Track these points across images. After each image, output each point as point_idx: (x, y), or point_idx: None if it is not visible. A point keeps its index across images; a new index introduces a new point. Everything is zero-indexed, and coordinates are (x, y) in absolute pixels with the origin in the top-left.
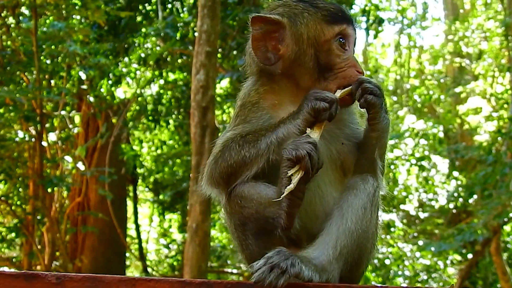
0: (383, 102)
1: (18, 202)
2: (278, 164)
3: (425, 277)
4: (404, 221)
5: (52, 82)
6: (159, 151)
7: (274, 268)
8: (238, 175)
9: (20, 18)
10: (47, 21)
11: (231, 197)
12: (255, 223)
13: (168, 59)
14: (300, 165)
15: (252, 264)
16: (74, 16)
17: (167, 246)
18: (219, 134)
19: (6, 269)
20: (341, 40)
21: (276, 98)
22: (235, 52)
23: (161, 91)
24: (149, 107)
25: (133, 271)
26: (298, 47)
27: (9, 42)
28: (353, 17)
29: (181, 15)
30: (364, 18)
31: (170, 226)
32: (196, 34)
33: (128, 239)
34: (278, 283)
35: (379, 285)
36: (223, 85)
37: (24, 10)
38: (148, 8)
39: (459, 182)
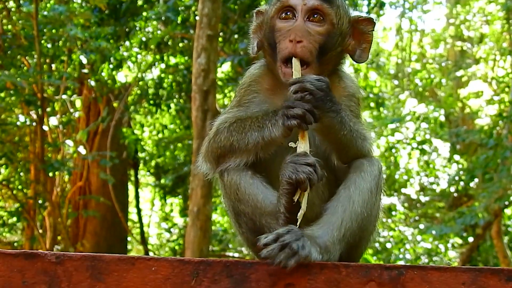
0: (322, 104)
1: (20, 187)
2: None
3: (426, 260)
4: (405, 204)
5: (53, 66)
6: (160, 135)
7: (284, 248)
8: (227, 158)
9: (21, 2)
10: (48, 5)
11: (226, 179)
12: (250, 221)
13: (169, 43)
14: (301, 187)
15: (260, 236)
16: (74, 0)
17: (168, 230)
18: None
19: None
20: (283, 14)
21: (269, 82)
22: (236, 36)
23: (162, 75)
24: (150, 91)
25: None
26: (263, 32)
27: (9, 26)
28: None
29: None
30: (366, 2)
31: (171, 210)
32: (197, 17)
33: (129, 223)
34: (287, 264)
35: (377, 263)
36: (224, 69)
37: None
38: None
39: (460, 166)
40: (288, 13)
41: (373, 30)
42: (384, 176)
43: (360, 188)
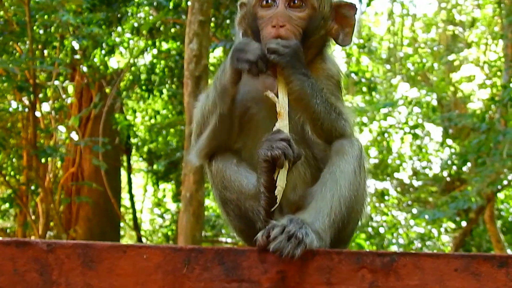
0: (290, 62)
1: (12, 173)
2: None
3: (419, 245)
4: (398, 189)
5: (45, 52)
6: (152, 121)
7: (291, 238)
8: (203, 129)
9: None
10: None
11: (213, 168)
12: (236, 207)
13: (161, 28)
14: (278, 163)
15: (268, 229)
16: None
17: (161, 216)
18: None
19: None
20: (264, 1)
21: None
22: (228, 21)
23: (155, 60)
24: (143, 76)
25: (127, 241)
26: (246, 21)
27: (1, 12)
28: None
29: None
30: None
31: (164, 196)
32: (189, 3)
33: (122, 209)
34: (295, 254)
35: (369, 250)
36: (216, 54)
37: None
38: None
39: (452, 150)
40: (269, 0)
41: (355, 14)
42: (366, 156)
43: (344, 171)
